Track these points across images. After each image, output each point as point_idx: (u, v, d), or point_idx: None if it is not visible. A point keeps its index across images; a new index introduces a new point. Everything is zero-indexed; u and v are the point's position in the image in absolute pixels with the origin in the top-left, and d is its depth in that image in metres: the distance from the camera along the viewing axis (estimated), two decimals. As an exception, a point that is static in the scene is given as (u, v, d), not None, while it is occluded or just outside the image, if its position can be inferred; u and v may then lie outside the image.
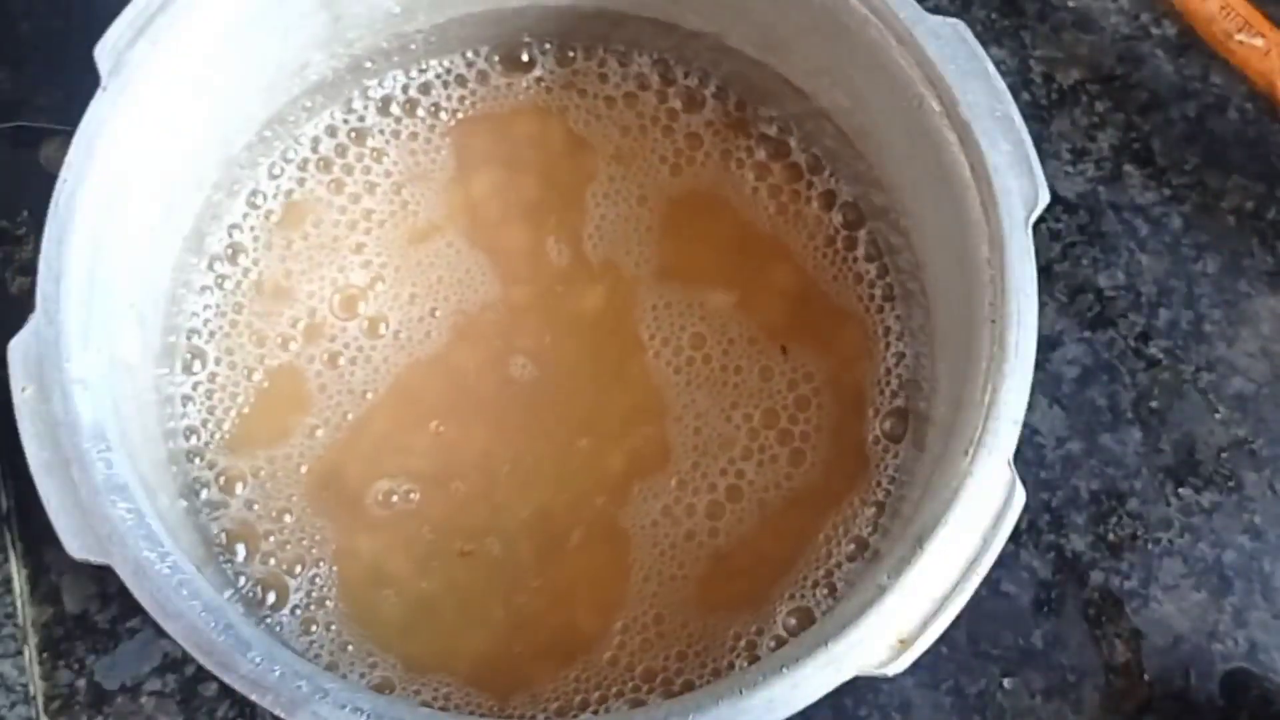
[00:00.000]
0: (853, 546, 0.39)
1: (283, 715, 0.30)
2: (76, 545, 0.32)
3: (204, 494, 0.39)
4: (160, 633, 0.31)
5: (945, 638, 0.31)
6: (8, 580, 0.41)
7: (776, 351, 0.41)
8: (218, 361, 0.41)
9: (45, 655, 0.40)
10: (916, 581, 0.32)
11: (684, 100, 0.44)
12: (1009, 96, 0.36)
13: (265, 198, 0.43)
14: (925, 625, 0.31)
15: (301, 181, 0.43)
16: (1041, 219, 0.37)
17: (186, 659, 0.38)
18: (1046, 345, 0.44)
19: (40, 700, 0.40)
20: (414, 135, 0.44)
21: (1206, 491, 0.43)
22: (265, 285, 0.42)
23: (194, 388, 0.40)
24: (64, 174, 0.35)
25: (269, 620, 0.38)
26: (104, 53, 0.36)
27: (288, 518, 0.39)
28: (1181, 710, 0.41)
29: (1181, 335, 0.45)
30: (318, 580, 0.39)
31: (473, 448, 0.40)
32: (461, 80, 0.44)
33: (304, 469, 0.40)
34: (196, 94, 0.38)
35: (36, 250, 0.34)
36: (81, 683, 0.40)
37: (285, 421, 0.40)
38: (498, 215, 0.43)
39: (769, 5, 0.40)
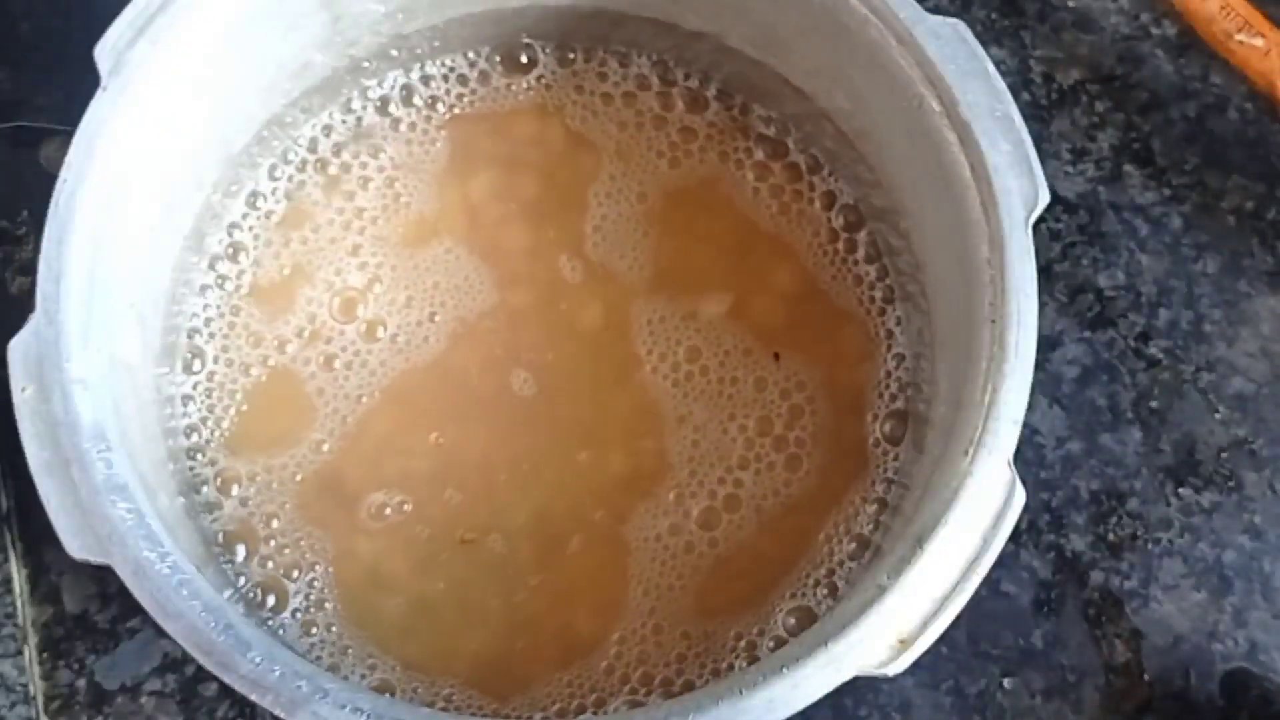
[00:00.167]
0: (854, 545, 0.39)
1: (283, 715, 0.30)
2: (76, 545, 0.32)
3: (204, 491, 0.39)
4: (160, 633, 0.31)
5: (945, 638, 0.31)
6: (8, 580, 0.41)
7: (770, 361, 0.41)
8: (216, 360, 0.41)
9: (45, 655, 0.40)
10: (916, 581, 0.32)
11: (684, 101, 0.44)
12: (1009, 96, 0.36)
13: (265, 198, 0.43)
14: (925, 625, 0.31)
15: (301, 183, 0.43)
16: (1041, 219, 0.37)
17: (186, 659, 0.38)
18: (1046, 345, 0.44)
19: (40, 700, 0.40)
20: (412, 134, 0.44)
21: (1206, 491, 0.43)
22: (265, 285, 0.42)
23: (194, 387, 0.40)
24: (64, 174, 0.35)
25: (270, 624, 0.38)
26: (104, 53, 0.36)
27: (282, 521, 0.39)
28: (1181, 710, 0.41)
29: (1181, 335, 0.45)
30: (316, 583, 0.39)
31: (471, 453, 0.40)
32: (462, 80, 0.44)
33: (299, 477, 0.40)
34: (196, 94, 0.38)
35: (36, 250, 0.34)
36: (81, 683, 0.40)
37: (282, 424, 0.40)
38: (497, 217, 0.43)
39: (769, 5, 0.40)
